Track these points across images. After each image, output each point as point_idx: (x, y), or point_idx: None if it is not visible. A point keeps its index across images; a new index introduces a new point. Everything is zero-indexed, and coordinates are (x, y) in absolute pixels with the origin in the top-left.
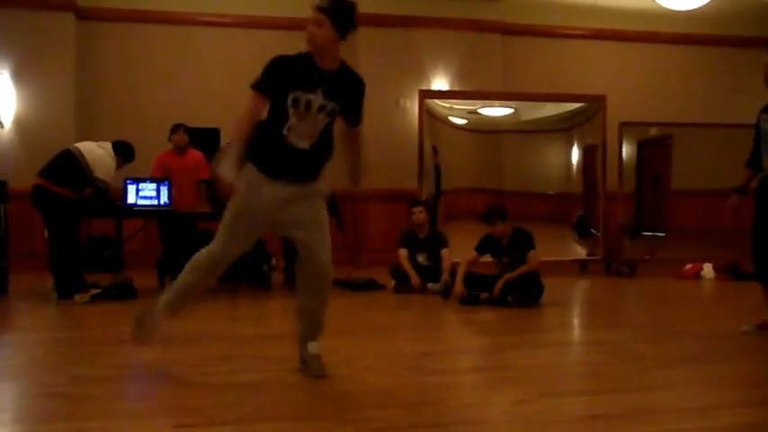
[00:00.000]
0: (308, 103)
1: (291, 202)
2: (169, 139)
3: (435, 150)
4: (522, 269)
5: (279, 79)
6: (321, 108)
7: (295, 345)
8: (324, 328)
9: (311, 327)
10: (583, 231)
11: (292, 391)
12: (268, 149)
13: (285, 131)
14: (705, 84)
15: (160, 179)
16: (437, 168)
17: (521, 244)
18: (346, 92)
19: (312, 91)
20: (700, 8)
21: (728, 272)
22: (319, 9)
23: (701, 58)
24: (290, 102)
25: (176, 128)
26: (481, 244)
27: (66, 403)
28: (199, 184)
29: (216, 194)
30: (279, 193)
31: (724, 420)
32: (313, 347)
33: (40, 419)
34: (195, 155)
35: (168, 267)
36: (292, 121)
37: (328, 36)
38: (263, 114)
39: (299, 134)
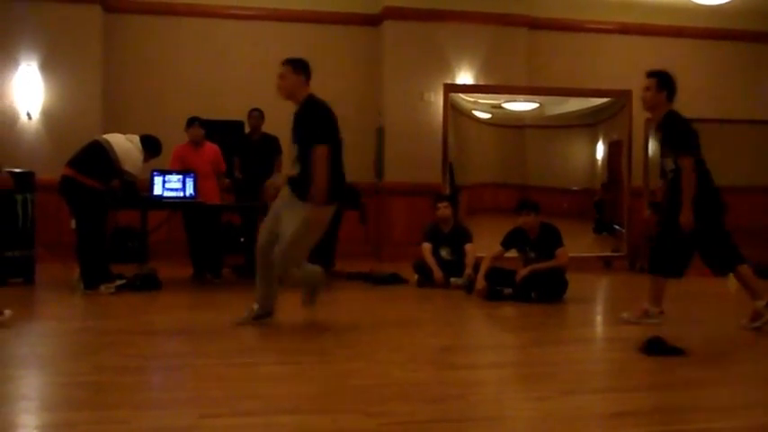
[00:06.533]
0: None
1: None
2: (185, 132)
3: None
4: (552, 263)
5: None
6: None
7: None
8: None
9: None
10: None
11: (315, 384)
12: None
13: None
14: (732, 80)
15: (185, 171)
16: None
17: (549, 240)
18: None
19: None
20: (728, 3)
21: (756, 271)
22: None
23: (728, 53)
24: None
25: (191, 122)
26: (507, 238)
27: (92, 392)
28: (219, 177)
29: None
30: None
31: (751, 420)
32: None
33: (65, 408)
34: (212, 148)
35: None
36: None
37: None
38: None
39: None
